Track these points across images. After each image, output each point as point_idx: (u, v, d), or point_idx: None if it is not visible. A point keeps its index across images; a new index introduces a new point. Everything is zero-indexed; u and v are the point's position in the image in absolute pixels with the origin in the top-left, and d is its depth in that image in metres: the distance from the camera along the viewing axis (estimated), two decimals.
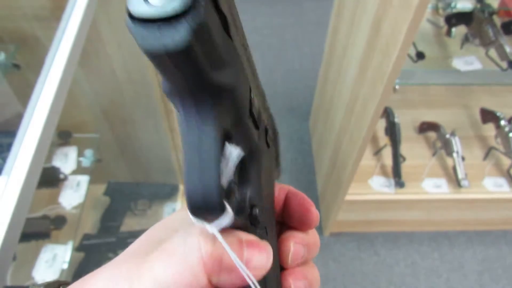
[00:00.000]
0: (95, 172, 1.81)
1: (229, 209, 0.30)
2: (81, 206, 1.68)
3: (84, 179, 1.74)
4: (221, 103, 0.28)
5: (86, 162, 1.79)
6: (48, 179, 1.63)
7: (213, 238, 0.33)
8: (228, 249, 0.33)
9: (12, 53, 1.48)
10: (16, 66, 1.50)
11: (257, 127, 0.35)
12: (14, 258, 1.37)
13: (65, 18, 1.20)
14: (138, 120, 1.88)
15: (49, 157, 1.69)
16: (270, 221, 0.41)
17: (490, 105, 2.26)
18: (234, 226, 0.34)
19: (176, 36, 0.23)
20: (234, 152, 0.31)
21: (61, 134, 1.77)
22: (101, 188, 2.00)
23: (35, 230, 1.54)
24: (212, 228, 0.32)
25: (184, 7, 0.22)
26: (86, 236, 1.81)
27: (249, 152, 0.35)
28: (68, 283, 0.40)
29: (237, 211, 0.33)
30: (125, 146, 2.05)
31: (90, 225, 1.95)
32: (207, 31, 0.24)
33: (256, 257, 0.35)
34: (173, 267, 0.33)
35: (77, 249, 1.74)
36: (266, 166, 0.39)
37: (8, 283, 1.33)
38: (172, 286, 0.32)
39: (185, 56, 0.23)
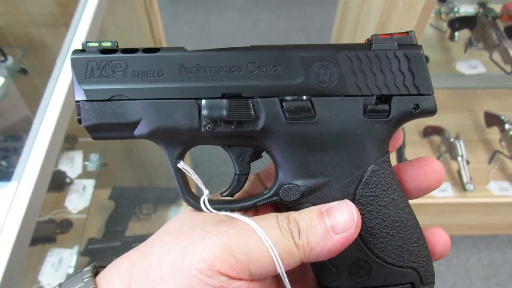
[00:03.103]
0: (100, 177, 1.81)
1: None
2: (87, 210, 1.67)
3: (89, 183, 1.74)
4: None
5: (91, 166, 1.79)
6: (54, 183, 1.63)
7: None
8: (258, 230, 0.40)
9: (20, 57, 1.49)
10: (24, 70, 1.50)
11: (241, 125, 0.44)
12: None
13: (73, 24, 1.20)
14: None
15: (55, 161, 1.68)
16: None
17: (494, 109, 2.25)
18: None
19: None
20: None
21: (67, 139, 1.77)
22: (106, 192, 2.00)
23: (41, 234, 1.53)
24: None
25: None
26: (92, 241, 1.81)
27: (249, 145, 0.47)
28: (103, 266, 0.45)
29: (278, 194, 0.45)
30: (130, 151, 2.05)
31: (95, 229, 1.94)
32: None
33: (338, 218, 0.40)
34: (244, 240, 0.39)
35: (83, 253, 1.74)
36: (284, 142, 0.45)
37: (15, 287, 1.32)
38: (240, 253, 0.38)
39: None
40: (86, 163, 1.77)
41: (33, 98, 1.09)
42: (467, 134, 2.28)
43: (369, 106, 0.44)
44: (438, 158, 2.18)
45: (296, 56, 0.44)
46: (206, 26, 3.41)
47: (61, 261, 1.49)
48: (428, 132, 2.27)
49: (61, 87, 1.07)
